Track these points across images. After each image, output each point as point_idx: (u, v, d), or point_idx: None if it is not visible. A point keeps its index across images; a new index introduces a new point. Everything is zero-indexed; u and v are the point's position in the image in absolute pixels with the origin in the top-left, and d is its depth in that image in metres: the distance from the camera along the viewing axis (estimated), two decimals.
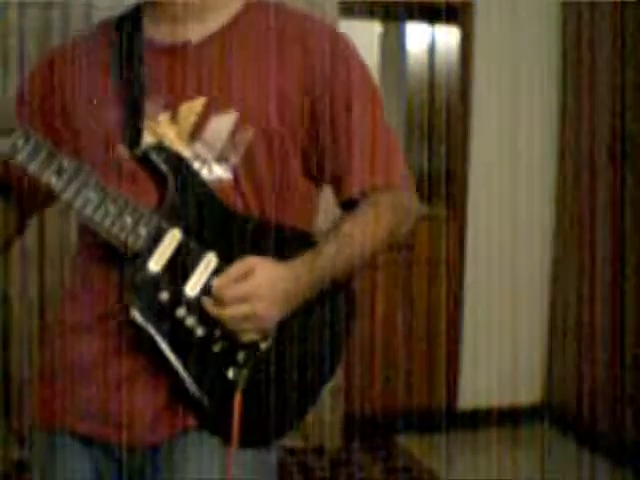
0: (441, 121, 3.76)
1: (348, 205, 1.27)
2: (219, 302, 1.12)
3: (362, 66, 1.28)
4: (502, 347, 3.59)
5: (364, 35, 4.07)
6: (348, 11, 3.26)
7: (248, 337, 1.15)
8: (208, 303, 1.13)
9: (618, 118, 3.24)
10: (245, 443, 1.19)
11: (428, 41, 4.20)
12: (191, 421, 1.19)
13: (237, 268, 1.14)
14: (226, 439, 1.17)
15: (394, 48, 4.33)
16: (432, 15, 3.77)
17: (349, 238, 1.22)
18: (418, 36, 4.26)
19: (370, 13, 3.60)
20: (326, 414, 3.25)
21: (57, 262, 2.90)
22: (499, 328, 3.59)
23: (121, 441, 1.21)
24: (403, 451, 3.36)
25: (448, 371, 3.58)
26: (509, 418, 3.60)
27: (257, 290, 1.12)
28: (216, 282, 1.13)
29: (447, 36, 3.91)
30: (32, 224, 2.84)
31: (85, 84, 1.26)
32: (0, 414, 2.92)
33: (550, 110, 3.60)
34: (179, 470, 1.19)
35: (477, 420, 3.59)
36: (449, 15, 3.56)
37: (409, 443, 3.42)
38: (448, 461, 3.27)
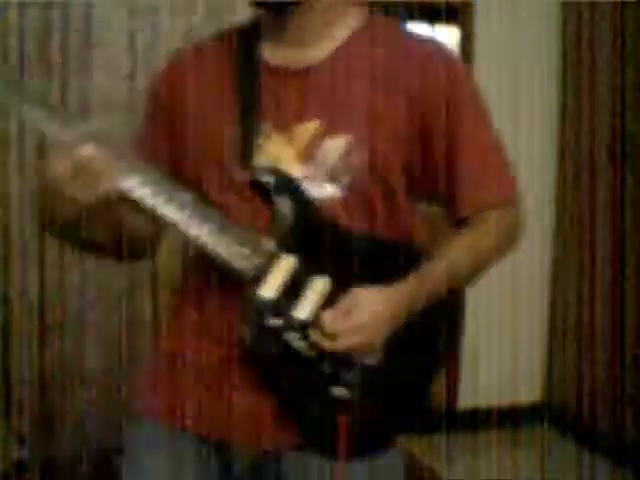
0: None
1: (459, 221, 1.32)
2: (326, 335, 1.17)
3: (475, 91, 1.32)
4: (502, 347, 3.59)
5: None
6: None
7: (355, 359, 1.21)
8: (316, 335, 1.19)
9: (618, 118, 3.24)
10: (354, 457, 1.24)
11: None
12: (296, 438, 1.25)
13: (344, 303, 1.19)
14: (331, 457, 1.23)
15: None
16: (432, 15, 3.76)
17: (456, 258, 1.28)
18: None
19: (370, 13, 3.59)
20: None
21: (57, 262, 2.90)
22: (499, 328, 3.59)
23: (228, 442, 1.28)
24: (403, 451, 3.36)
25: (448, 371, 3.57)
26: (509, 418, 3.60)
27: (363, 323, 1.18)
28: (323, 317, 1.18)
29: (447, 36, 3.90)
30: (32, 224, 2.85)
31: (206, 98, 1.30)
32: (0, 414, 2.92)
33: (550, 110, 3.60)
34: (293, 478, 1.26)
35: (477, 420, 3.59)
36: (449, 15, 3.55)
37: (409, 443, 3.42)
38: (448, 461, 3.27)
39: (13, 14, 2.77)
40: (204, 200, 1.21)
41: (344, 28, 1.28)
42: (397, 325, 1.23)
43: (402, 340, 1.24)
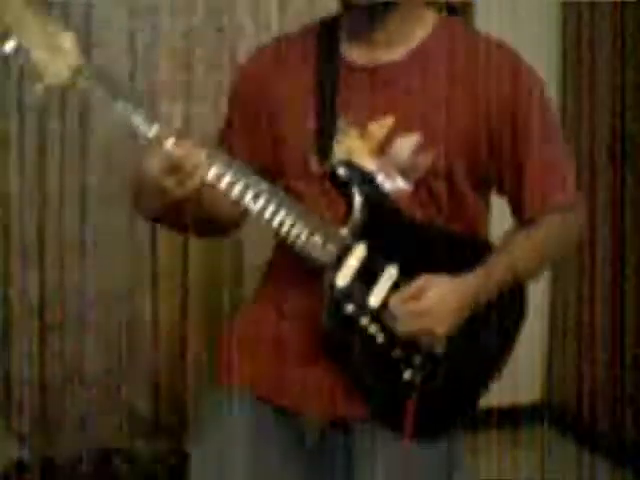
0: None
1: (524, 221, 1.41)
2: (394, 317, 1.27)
3: (542, 92, 1.40)
4: None
5: None
6: None
7: (424, 346, 1.31)
8: (387, 317, 1.29)
9: (618, 118, 3.23)
10: (418, 436, 1.33)
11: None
12: (366, 413, 1.34)
13: (412, 287, 1.28)
14: (398, 435, 1.32)
15: None
16: None
17: (520, 256, 1.36)
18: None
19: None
20: None
21: (57, 262, 2.90)
22: None
23: (302, 412, 1.38)
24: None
25: None
26: (509, 418, 3.60)
27: (429, 307, 1.26)
28: (392, 300, 1.28)
29: None
30: (32, 224, 2.85)
31: (288, 92, 1.39)
32: (0, 414, 2.92)
33: None
34: (358, 453, 1.35)
35: (477, 420, 3.58)
36: (449, 15, 3.55)
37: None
38: None
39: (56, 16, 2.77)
40: (282, 189, 1.31)
41: (421, 29, 1.36)
42: (463, 316, 1.31)
43: (468, 330, 1.33)
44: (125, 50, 2.90)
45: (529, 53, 3.84)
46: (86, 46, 2.84)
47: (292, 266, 1.37)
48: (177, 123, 2.92)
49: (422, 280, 1.28)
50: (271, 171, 1.40)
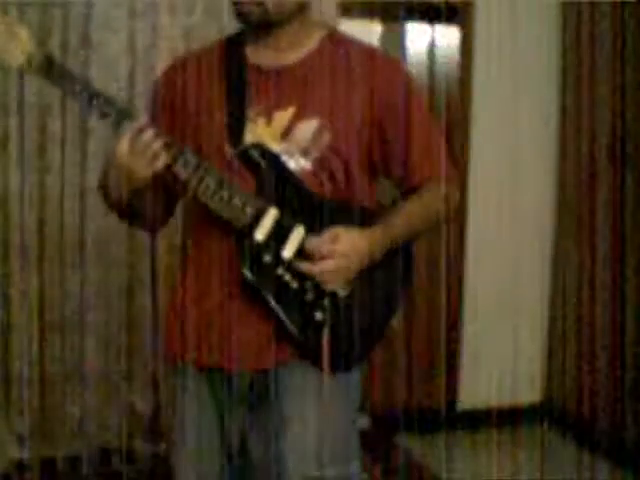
0: (441, 121, 3.76)
1: (406, 193, 1.68)
2: (310, 258, 1.53)
3: (417, 87, 1.68)
4: (502, 347, 3.60)
5: (364, 35, 4.05)
6: (348, 11, 3.26)
7: (331, 287, 1.55)
8: (301, 263, 1.53)
9: (618, 118, 3.24)
10: (333, 370, 1.58)
11: (428, 41, 4.19)
12: (290, 354, 1.57)
13: (327, 234, 1.53)
14: (318, 366, 1.56)
15: (394, 48, 4.33)
16: (432, 15, 3.77)
17: (410, 214, 1.64)
18: (418, 36, 4.25)
19: (370, 13, 3.60)
20: None
21: (57, 262, 2.90)
22: (499, 328, 3.59)
23: (235, 366, 1.60)
24: (403, 451, 3.37)
25: (448, 371, 3.58)
26: (509, 418, 3.60)
27: (341, 250, 1.52)
28: (309, 243, 1.53)
29: (447, 36, 3.91)
30: (32, 224, 2.85)
31: (201, 91, 1.63)
32: (0, 414, 2.92)
33: (550, 110, 3.60)
34: (287, 388, 1.59)
35: (477, 420, 3.59)
36: (449, 15, 3.56)
37: (409, 443, 3.42)
38: (448, 461, 3.27)
39: (13, 14, 2.77)
40: (206, 162, 1.53)
41: (313, 39, 1.63)
42: (366, 263, 1.56)
43: (368, 276, 1.59)
44: (125, 50, 2.90)
45: (529, 53, 3.86)
46: (86, 46, 2.85)
47: (207, 232, 1.60)
48: None
49: (336, 229, 1.54)
50: None
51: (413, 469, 3.20)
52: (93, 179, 2.87)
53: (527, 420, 3.64)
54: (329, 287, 1.55)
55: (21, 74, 1.49)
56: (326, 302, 1.56)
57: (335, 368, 1.58)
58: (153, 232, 1.85)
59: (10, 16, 1.46)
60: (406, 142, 1.64)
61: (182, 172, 1.50)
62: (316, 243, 1.53)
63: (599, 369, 3.33)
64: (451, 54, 3.75)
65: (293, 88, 1.59)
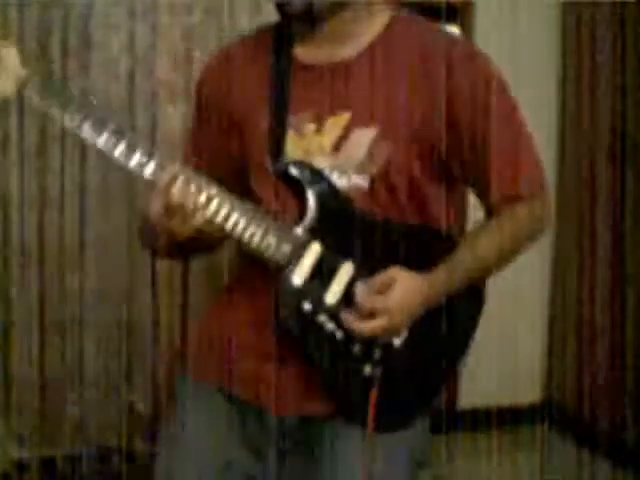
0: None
1: (490, 210, 1.40)
2: (359, 312, 1.27)
3: (500, 83, 1.39)
4: (502, 347, 3.59)
5: None
6: None
7: (382, 340, 1.30)
8: (348, 318, 1.28)
9: (618, 118, 3.24)
10: (382, 429, 1.33)
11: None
12: (331, 409, 1.34)
13: (379, 280, 1.27)
14: (361, 426, 1.32)
15: None
16: (432, 15, 3.76)
17: (483, 249, 1.36)
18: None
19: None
20: None
21: (57, 262, 2.90)
22: (499, 328, 3.59)
23: (267, 409, 1.38)
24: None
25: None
26: (509, 418, 3.60)
27: (395, 304, 1.26)
28: (359, 294, 1.27)
29: None
30: (32, 224, 2.85)
31: (244, 92, 1.40)
32: (0, 414, 2.92)
33: (550, 110, 3.60)
34: (324, 449, 1.36)
35: (477, 420, 3.59)
36: (449, 15, 3.55)
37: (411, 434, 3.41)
38: (448, 461, 3.27)
39: (13, 14, 2.77)
40: (232, 194, 1.28)
41: (372, 27, 1.35)
42: (423, 311, 1.31)
43: (427, 322, 1.33)
44: (125, 50, 2.90)
45: (529, 53, 3.86)
46: (86, 46, 2.85)
47: (253, 267, 1.38)
48: (175, 123, 2.92)
49: (390, 272, 1.28)
50: (237, 173, 1.42)
51: None
52: (93, 179, 2.87)
53: (527, 420, 3.64)
54: (379, 340, 1.31)
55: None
56: (377, 354, 1.32)
57: (382, 429, 1.34)
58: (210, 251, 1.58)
59: None
60: (485, 152, 1.34)
61: (204, 207, 1.26)
62: (366, 293, 1.27)
63: (599, 369, 3.33)
64: None
65: (349, 88, 1.32)
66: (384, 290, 1.26)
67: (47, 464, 2.95)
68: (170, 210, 1.21)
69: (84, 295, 2.92)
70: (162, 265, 2.98)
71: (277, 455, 1.41)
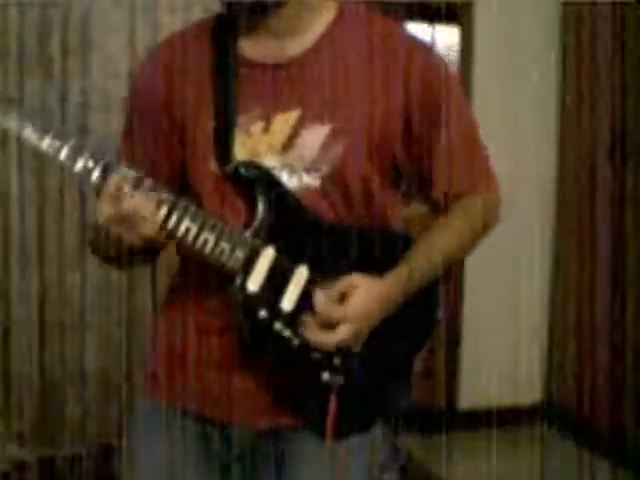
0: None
1: (436, 207, 1.36)
2: (319, 322, 1.21)
3: (451, 78, 1.34)
4: (502, 347, 3.59)
5: None
6: None
7: (341, 346, 1.24)
8: (308, 329, 1.22)
9: (618, 118, 3.24)
10: (342, 435, 1.29)
11: (428, 41, 4.19)
12: (291, 419, 1.31)
13: (339, 288, 1.22)
14: (322, 435, 1.28)
15: None
16: (432, 15, 3.76)
17: (439, 247, 1.32)
18: (418, 36, 4.25)
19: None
20: None
21: (57, 262, 2.90)
22: (499, 328, 3.59)
23: (230, 421, 1.33)
24: (403, 451, 3.36)
25: (448, 371, 3.57)
26: (509, 418, 3.60)
27: (356, 312, 1.21)
28: (318, 303, 1.21)
29: (447, 36, 3.91)
30: (32, 224, 2.85)
31: (184, 90, 1.32)
32: (0, 414, 2.92)
33: (550, 110, 3.60)
34: (295, 454, 1.32)
35: (477, 420, 3.59)
36: (449, 15, 3.55)
37: (409, 443, 3.41)
38: (448, 461, 3.27)
39: (13, 14, 2.77)
40: (184, 197, 1.23)
41: (320, 21, 1.30)
42: (382, 317, 1.26)
43: (384, 329, 1.28)
44: (125, 50, 2.90)
45: (529, 53, 3.85)
46: (86, 46, 2.85)
47: (201, 274, 1.32)
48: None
49: (351, 279, 1.22)
50: (176, 175, 1.35)
51: (413, 469, 3.20)
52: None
53: (527, 420, 3.64)
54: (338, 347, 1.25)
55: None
56: (336, 360, 1.26)
57: (343, 435, 1.30)
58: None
59: None
60: (435, 147, 1.31)
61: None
62: (325, 302, 1.21)
63: (599, 369, 3.33)
64: (451, 54, 3.75)
65: (297, 85, 1.27)
66: (344, 298, 1.21)
67: (47, 464, 2.95)
68: (118, 218, 1.16)
69: (84, 295, 2.92)
70: (162, 264, 2.97)
71: (242, 469, 1.37)
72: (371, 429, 1.37)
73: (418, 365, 1.39)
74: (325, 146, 1.26)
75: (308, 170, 1.26)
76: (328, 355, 1.26)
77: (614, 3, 3.22)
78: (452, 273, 3.65)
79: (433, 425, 3.49)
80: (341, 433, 1.30)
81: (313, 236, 1.27)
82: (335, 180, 1.27)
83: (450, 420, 3.53)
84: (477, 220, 1.38)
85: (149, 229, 1.18)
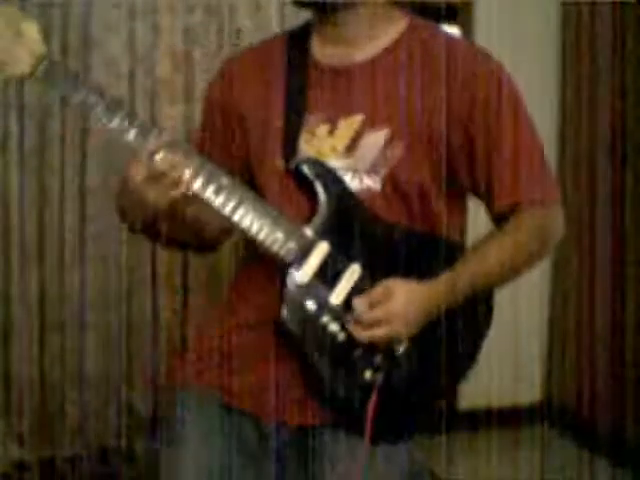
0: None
1: (499, 219, 1.38)
2: (359, 322, 1.26)
3: (514, 92, 1.37)
4: (502, 347, 3.59)
5: None
6: None
7: (384, 346, 1.29)
8: (348, 319, 1.27)
9: (618, 118, 3.23)
10: (377, 440, 1.32)
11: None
12: (328, 417, 1.33)
13: (377, 291, 1.27)
14: (359, 435, 1.29)
15: None
16: (432, 15, 3.76)
17: (490, 260, 1.34)
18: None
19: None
20: None
21: (57, 262, 2.90)
22: (499, 328, 3.58)
23: (264, 417, 1.37)
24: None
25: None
26: (509, 418, 3.60)
27: (394, 314, 1.25)
28: (357, 304, 1.26)
29: None
30: (32, 223, 2.85)
31: (257, 93, 1.41)
32: (0, 414, 2.92)
33: (550, 110, 3.60)
34: (327, 453, 1.34)
35: (477, 420, 3.58)
36: (449, 15, 3.55)
37: (409, 443, 3.41)
38: (448, 461, 3.27)
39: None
40: (245, 185, 1.30)
41: (389, 31, 1.37)
42: (426, 321, 1.30)
43: (431, 332, 1.32)
44: (125, 50, 2.90)
45: (529, 53, 3.85)
46: (86, 46, 2.85)
47: (256, 268, 1.39)
48: (176, 123, 2.92)
49: (389, 283, 1.27)
50: (244, 174, 1.42)
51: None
52: (93, 179, 2.87)
53: (527, 420, 3.63)
54: (381, 347, 1.30)
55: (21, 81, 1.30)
56: (378, 359, 1.30)
57: (378, 440, 1.33)
58: (210, 251, 1.57)
59: (13, 7, 1.25)
60: (494, 158, 1.34)
61: (214, 199, 1.27)
62: (364, 303, 1.26)
63: (599, 369, 3.33)
64: None
65: (364, 91, 1.33)
66: (383, 300, 1.26)
67: (47, 464, 2.95)
68: (150, 177, 1.21)
69: (84, 295, 2.92)
70: (162, 265, 2.98)
71: (274, 464, 1.39)
72: (410, 438, 1.39)
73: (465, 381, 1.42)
74: (384, 150, 1.31)
75: (369, 172, 1.31)
76: (370, 354, 1.29)
77: (614, 3, 3.22)
78: None
79: (433, 425, 3.49)
80: (379, 437, 1.31)
81: (369, 237, 1.31)
82: (393, 183, 1.31)
83: (450, 420, 3.53)
84: (532, 237, 1.37)
85: (179, 190, 1.22)
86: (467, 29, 3.50)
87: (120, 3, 2.88)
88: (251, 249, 1.39)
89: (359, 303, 1.26)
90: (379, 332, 1.26)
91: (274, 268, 1.31)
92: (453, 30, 3.65)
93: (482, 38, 3.49)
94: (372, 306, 1.26)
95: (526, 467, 3.20)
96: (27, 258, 2.87)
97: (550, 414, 3.66)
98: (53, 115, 2.83)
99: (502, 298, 3.90)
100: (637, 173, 3.17)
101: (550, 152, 3.94)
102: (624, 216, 3.20)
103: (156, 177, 1.21)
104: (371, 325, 1.26)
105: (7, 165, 2.83)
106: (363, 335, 1.26)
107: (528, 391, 3.69)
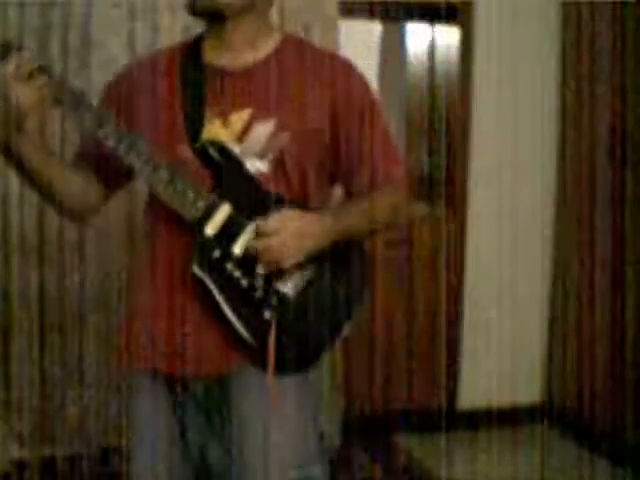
0: (441, 121, 3.76)
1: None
2: (260, 234, 1.52)
3: (372, 91, 1.70)
4: (502, 347, 3.59)
5: (364, 35, 4.07)
6: (348, 11, 3.25)
7: (278, 265, 1.53)
8: (253, 243, 1.52)
9: (618, 118, 3.24)
10: (284, 370, 1.56)
11: (428, 41, 4.19)
12: (241, 357, 1.56)
13: (276, 213, 1.53)
14: (266, 369, 1.54)
15: (394, 48, 4.33)
16: (432, 15, 3.77)
17: (362, 209, 1.64)
18: (418, 36, 4.25)
19: (370, 13, 3.60)
20: (325, 413, 3.25)
21: (57, 260, 2.90)
22: (499, 328, 3.59)
23: (185, 371, 1.59)
24: (403, 451, 3.37)
25: (448, 371, 3.58)
26: (509, 418, 3.60)
27: (289, 227, 1.52)
28: (258, 224, 1.53)
29: (447, 36, 3.91)
30: (32, 223, 2.85)
31: (156, 92, 1.64)
32: (0, 414, 2.92)
33: (550, 110, 3.60)
34: (243, 393, 1.58)
35: (477, 420, 3.59)
36: (449, 15, 3.56)
37: (409, 443, 3.42)
38: (448, 461, 3.27)
39: (13, 14, 2.77)
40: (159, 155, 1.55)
41: (271, 40, 1.65)
42: (314, 244, 1.56)
43: (320, 275, 1.59)
44: (125, 50, 2.90)
45: (529, 53, 3.85)
46: (86, 46, 2.85)
47: (160, 228, 1.61)
48: None
49: (284, 209, 1.54)
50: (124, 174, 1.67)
51: (413, 469, 3.20)
52: None
53: (527, 420, 3.64)
54: (276, 266, 1.54)
55: None
56: (274, 300, 1.55)
57: (283, 370, 1.56)
58: (79, 219, 1.81)
59: None
60: (360, 145, 1.64)
61: (136, 161, 1.53)
62: (264, 222, 1.53)
63: (599, 369, 3.33)
64: (451, 54, 3.75)
65: (250, 90, 1.60)
66: (279, 218, 1.52)
67: (47, 464, 2.96)
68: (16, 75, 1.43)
69: (84, 295, 2.93)
70: None
71: (198, 418, 1.63)
72: (307, 370, 1.60)
73: (347, 330, 1.61)
74: (271, 138, 1.58)
75: (258, 156, 1.58)
76: (267, 295, 1.55)
77: (614, 3, 3.22)
78: (453, 273, 3.66)
79: (433, 425, 3.50)
80: (280, 369, 1.55)
81: (262, 204, 1.56)
82: (278, 166, 1.59)
83: (450, 420, 3.53)
84: (389, 202, 1.69)
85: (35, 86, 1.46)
86: (467, 29, 3.51)
87: (120, 3, 2.89)
88: (156, 211, 1.61)
89: (260, 221, 1.53)
90: (273, 241, 1.51)
91: (178, 229, 1.56)
92: (453, 30, 3.65)
93: (482, 38, 3.49)
94: (271, 221, 1.52)
95: (526, 467, 3.20)
96: (27, 258, 2.87)
97: (550, 414, 3.66)
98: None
99: (502, 298, 3.91)
100: (637, 173, 3.17)
101: (550, 152, 3.97)
102: (624, 216, 3.21)
103: (19, 74, 1.43)
104: (268, 234, 1.51)
105: (7, 165, 2.83)
106: (260, 244, 1.51)
107: (528, 391, 3.69)
